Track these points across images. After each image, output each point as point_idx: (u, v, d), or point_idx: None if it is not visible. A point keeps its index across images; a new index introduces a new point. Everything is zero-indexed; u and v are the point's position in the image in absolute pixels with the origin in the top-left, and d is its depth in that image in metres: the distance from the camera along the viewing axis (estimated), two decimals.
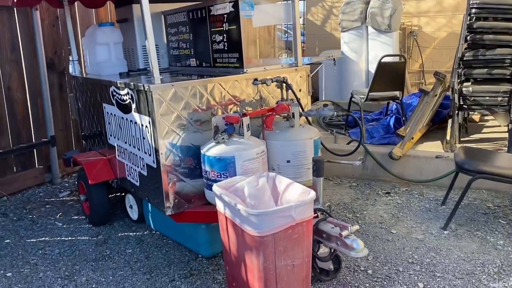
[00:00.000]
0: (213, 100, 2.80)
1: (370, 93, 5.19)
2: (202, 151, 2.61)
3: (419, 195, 3.86)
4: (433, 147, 4.69)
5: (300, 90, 3.19)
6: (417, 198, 3.81)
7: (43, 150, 4.70)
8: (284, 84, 2.96)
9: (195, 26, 3.36)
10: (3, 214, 3.93)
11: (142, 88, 2.65)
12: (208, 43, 3.25)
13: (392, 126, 5.28)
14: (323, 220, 2.40)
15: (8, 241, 3.40)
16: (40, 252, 3.21)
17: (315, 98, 8.03)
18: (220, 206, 2.24)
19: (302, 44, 8.45)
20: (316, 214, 2.40)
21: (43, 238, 3.42)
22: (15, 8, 4.24)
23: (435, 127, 5.40)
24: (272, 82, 2.94)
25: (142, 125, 2.78)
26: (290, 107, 2.74)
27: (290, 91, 2.97)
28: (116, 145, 3.31)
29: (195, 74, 3.32)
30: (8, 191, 4.36)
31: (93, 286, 2.73)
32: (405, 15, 7.28)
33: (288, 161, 2.73)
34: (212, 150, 2.54)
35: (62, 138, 4.89)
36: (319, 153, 2.85)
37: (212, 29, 3.18)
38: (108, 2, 4.23)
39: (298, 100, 2.93)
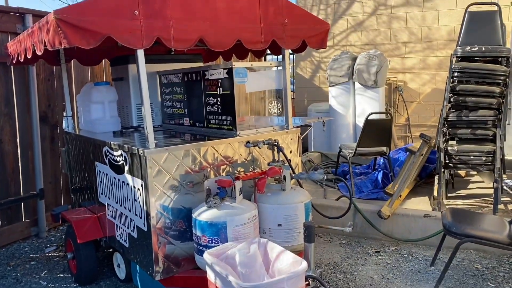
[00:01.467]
0: (206, 162, 2.85)
1: (358, 149, 5.31)
2: (193, 215, 2.62)
3: (408, 255, 3.87)
4: (421, 203, 4.76)
5: (291, 152, 3.26)
6: (407, 258, 3.82)
7: (30, 203, 4.65)
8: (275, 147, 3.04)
9: (189, 87, 3.46)
10: None
11: (136, 152, 2.69)
12: (202, 104, 3.34)
13: (380, 181, 5.37)
14: None
15: None
16: None
17: (304, 149, 8.16)
18: (211, 275, 2.24)
19: (291, 93, 8.65)
20: (307, 282, 2.40)
21: None
22: None
23: (423, 182, 5.50)
24: (264, 144, 3.01)
25: (134, 187, 2.80)
26: (281, 170, 2.80)
27: (281, 152, 3.04)
28: (106, 204, 3.31)
29: (188, 133, 3.38)
30: None
31: None
32: (390, 71, 7.56)
33: (280, 225, 2.76)
34: (204, 214, 2.56)
35: (51, 190, 4.86)
36: (310, 217, 2.88)
37: (206, 92, 3.28)
38: (103, 59, 4.35)
39: (289, 163, 3.00)
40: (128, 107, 3.89)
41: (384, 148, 5.34)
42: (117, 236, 3.19)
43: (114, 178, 3.09)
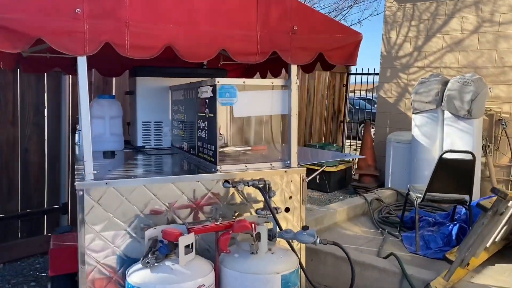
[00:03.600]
0: (164, 203, 2.24)
1: (428, 193, 4.26)
2: (126, 274, 2.02)
3: None
4: (507, 273, 3.57)
5: (290, 198, 2.49)
6: None
7: (55, 217, 4.47)
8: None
9: (187, 106, 2.91)
10: None
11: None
12: (194, 128, 2.76)
13: (454, 237, 4.22)
14: None
15: None
16: None
17: (380, 183, 7.10)
18: None
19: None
20: None
21: None
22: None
23: None
24: (246, 186, 2.30)
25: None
26: (254, 225, 2.06)
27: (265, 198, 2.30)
28: None
29: (183, 162, 2.82)
30: (7, 258, 4.13)
31: None
32: (493, 100, 6.22)
33: None
34: (134, 276, 1.94)
35: None
36: None
37: (198, 113, 2.69)
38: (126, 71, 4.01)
39: (273, 214, 2.23)
40: (135, 125, 3.46)
41: (465, 196, 4.22)
42: None
43: None
